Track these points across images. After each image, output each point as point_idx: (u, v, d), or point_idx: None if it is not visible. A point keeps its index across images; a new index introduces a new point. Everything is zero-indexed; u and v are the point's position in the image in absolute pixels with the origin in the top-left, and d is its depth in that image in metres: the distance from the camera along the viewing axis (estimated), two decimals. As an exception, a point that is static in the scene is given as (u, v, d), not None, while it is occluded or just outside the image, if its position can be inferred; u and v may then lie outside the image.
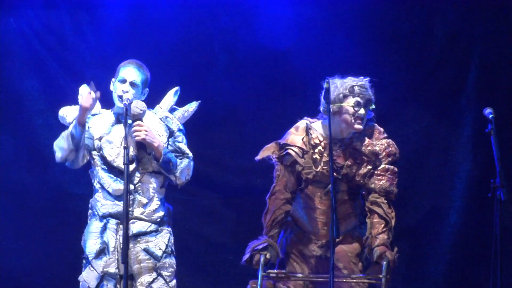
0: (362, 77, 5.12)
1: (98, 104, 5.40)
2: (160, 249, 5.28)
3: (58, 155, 5.24)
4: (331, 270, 4.64)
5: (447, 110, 6.55)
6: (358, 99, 5.04)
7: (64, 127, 5.37)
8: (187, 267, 6.45)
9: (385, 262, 5.01)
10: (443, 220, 6.52)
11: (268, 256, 5.07)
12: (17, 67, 6.64)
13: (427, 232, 6.55)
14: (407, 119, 6.58)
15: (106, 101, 5.44)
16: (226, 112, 6.69)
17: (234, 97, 6.66)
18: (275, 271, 5.10)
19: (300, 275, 5.16)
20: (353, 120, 5.05)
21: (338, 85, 5.07)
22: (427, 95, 6.56)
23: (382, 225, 5.09)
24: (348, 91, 5.04)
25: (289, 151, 5.12)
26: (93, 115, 5.38)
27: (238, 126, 6.71)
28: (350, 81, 5.08)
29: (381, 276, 5.00)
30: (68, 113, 5.39)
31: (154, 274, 5.26)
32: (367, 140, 5.14)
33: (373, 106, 5.10)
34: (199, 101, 5.50)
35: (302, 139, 5.15)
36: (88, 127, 5.32)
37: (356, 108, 5.03)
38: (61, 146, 5.20)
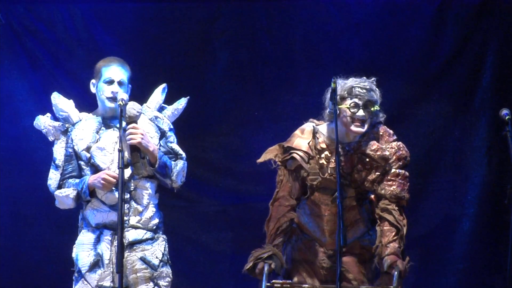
0: (365, 77, 5.01)
1: (76, 111, 5.28)
2: (157, 257, 5.16)
3: (60, 207, 5.25)
4: (337, 280, 4.54)
5: (460, 112, 6.50)
6: (356, 100, 4.92)
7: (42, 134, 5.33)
8: (185, 277, 6.35)
9: (396, 272, 4.88)
10: (456, 229, 6.46)
11: (273, 265, 4.93)
12: (6, 65, 6.56)
13: (438, 241, 6.48)
14: (418, 122, 6.52)
15: (94, 98, 5.33)
16: (226, 114, 6.62)
17: (235, 98, 6.59)
18: (280, 281, 4.95)
19: (306, 285, 5.00)
20: (350, 122, 4.91)
21: (338, 86, 4.96)
22: (439, 96, 6.51)
23: (393, 233, 4.98)
24: (346, 92, 4.94)
25: (294, 155, 5.02)
26: (74, 124, 5.26)
27: (238, 129, 6.62)
28: (351, 82, 4.98)
29: (391, 287, 4.86)
30: (48, 127, 5.28)
31: (151, 284, 5.14)
32: (376, 144, 5.03)
33: (377, 108, 4.98)
34: (188, 97, 5.40)
35: (308, 143, 5.04)
36: (72, 140, 5.21)
37: (353, 110, 4.91)
38: (64, 203, 5.19)
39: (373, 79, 5.00)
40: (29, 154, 6.51)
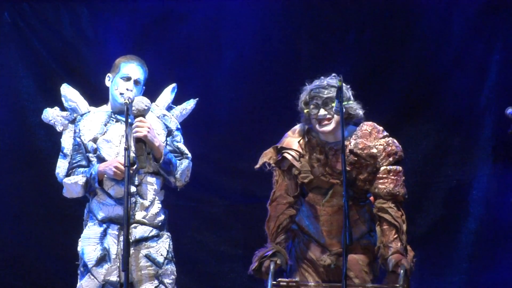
0: (322, 77, 4.98)
1: (85, 103, 5.29)
2: (161, 255, 5.15)
3: (67, 195, 5.22)
4: (343, 279, 4.53)
5: (466, 110, 6.48)
6: (315, 101, 4.92)
7: (50, 127, 5.30)
8: (190, 276, 6.39)
9: (402, 271, 4.84)
10: (462, 228, 6.44)
11: (278, 262, 4.92)
12: (13, 64, 6.58)
13: (444, 240, 6.46)
14: (423, 121, 6.50)
15: (99, 97, 5.35)
16: (231, 113, 6.62)
17: (240, 97, 6.60)
18: (286, 279, 4.92)
19: (312, 284, 5.01)
20: (317, 124, 4.92)
21: (302, 93, 4.99)
22: (445, 94, 6.49)
23: (393, 232, 4.93)
24: (308, 96, 4.94)
25: (285, 155, 5.02)
26: (82, 115, 5.26)
27: (244, 128, 6.63)
28: (311, 85, 4.98)
29: (397, 285, 4.82)
30: (56, 118, 5.28)
31: (156, 282, 5.12)
32: (363, 143, 4.98)
33: (333, 104, 4.85)
34: (197, 99, 5.40)
35: (299, 141, 5.04)
36: (79, 130, 5.21)
37: (314, 111, 4.91)
38: (73, 191, 5.16)
39: (333, 74, 4.96)
40: (35, 152, 6.53)
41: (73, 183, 5.12)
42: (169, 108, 5.35)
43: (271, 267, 4.86)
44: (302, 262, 5.10)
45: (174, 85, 5.36)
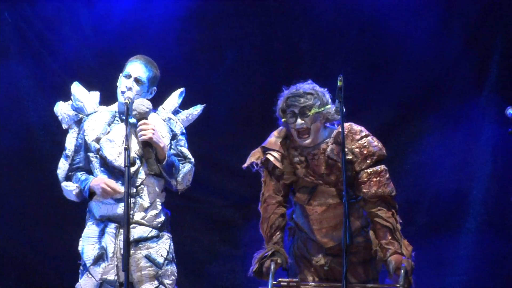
0: (299, 84, 4.92)
1: (92, 103, 5.28)
2: (161, 256, 5.16)
3: (65, 196, 5.27)
4: (343, 279, 4.52)
5: (466, 110, 6.48)
6: (292, 109, 4.87)
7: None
8: (191, 277, 6.41)
9: (402, 271, 4.82)
10: (461, 228, 6.45)
11: (279, 261, 4.92)
12: (13, 64, 6.60)
13: (442, 240, 6.46)
14: (423, 120, 6.51)
15: (107, 97, 5.34)
16: (233, 114, 6.64)
17: (241, 98, 6.61)
18: (287, 279, 4.90)
19: (313, 283, 4.98)
20: (295, 135, 4.88)
21: (279, 100, 4.96)
22: (444, 95, 6.50)
23: (388, 233, 4.88)
24: (285, 104, 4.89)
25: (268, 156, 5.00)
26: (88, 115, 5.26)
27: (246, 129, 6.63)
28: (287, 93, 4.92)
29: (398, 285, 4.80)
30: (63, 115, 5.27)
31: (156, 283, 5.13)
32: (337, 148, 4.89)
33: (315, 110, 4.82)
34: (204, 105, 5.37)
35: (281, 142, 5.00)
36: (84, 130, 5.21)
37: (291, 120, 4.87)
38: (68, 197, 5.24)
39: (309, 81, 4.92)
40: (35, 152, 6.55)
41: (68, 190, 5.18)
42: (175, 112, 5.34)
43: (272, 266, 4.86)
44: (300, 260, 5.10)
45: (182, 89, 5.35)
